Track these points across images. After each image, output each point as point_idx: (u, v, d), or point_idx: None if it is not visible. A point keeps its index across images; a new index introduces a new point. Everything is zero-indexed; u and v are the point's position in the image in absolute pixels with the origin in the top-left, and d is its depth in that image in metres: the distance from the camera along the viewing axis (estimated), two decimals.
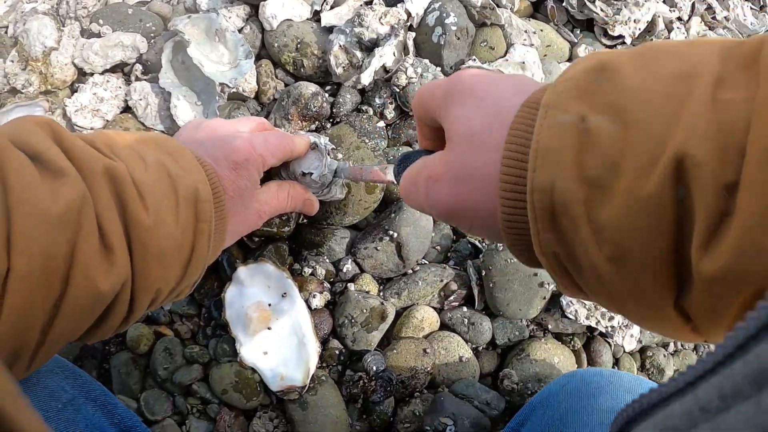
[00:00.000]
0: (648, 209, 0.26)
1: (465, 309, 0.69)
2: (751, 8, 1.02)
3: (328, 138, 0.64)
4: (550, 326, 0.70)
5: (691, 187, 0.25)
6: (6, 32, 0.88)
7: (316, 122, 0.73)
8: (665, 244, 0.26)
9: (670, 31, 0.90)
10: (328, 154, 0.61)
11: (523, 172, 0.31)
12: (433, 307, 0.69)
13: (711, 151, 0.24)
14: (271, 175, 0.63)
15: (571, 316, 0.68)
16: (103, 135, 0.46)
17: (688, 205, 0.25)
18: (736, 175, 0.23)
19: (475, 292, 0.68)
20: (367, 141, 0.70)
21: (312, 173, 0.59)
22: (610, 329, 0.71)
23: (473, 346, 0.69)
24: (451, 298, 0.68)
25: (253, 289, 0.65)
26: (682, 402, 0.21)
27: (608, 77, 0.29)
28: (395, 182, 0.50)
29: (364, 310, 0.65)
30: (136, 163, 0.44)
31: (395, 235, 0.66)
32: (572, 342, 0.72)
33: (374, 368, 0.64)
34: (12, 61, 0.83)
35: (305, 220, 0.69)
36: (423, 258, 0.70)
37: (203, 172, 0.48)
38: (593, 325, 0.70)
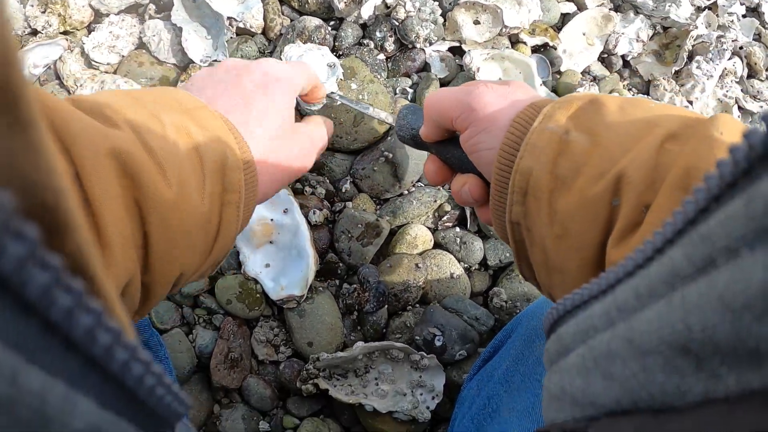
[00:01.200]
0: (590, 206, 0.35)
1: (458, 229, 0.72)
2: None
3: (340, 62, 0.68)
4: None
5: (623, 200, 0.33)
6: None
7: None
8: (595, 234, 0.35)
9: None
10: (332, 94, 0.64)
11: (513, 158, 0.40)
12: (427, 227, 0.72)
13: (643, 179, 0.32)
14: None
15: None
16: (110, 95, 0.38)
17: (617, 211, 0.34)
18: (653, 199, 0.32)
19: (468, 213, 0.71)
20: (378, 77, 0.73)
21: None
22: None
23: (465, 265, 0.72)
24: (445, 218, 0.72)
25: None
26: (602, 303, 0.23)
27: (595, 109, 0.38)
28: (399, 122, 0.54)
29: (360, 225, 0.68)
30: (152, 126, 0.37)
31: (391, 156, 0.69)
32: None
33: (368, 280, 0.68)
34: (32, 5, 0.87)
35: None
36: (418, 180, 0.73)
37: (229, 132, 0.41)
38: None
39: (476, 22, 0.79)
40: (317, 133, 0.51)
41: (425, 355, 0.68)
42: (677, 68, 0.90)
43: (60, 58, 0.83)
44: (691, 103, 0.90)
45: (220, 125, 0.41)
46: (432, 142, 0.50)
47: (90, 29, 0.87)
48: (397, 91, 0.75)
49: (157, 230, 0.35)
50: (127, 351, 0.18)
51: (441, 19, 0.77)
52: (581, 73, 0.83)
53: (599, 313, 0.23)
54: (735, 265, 0.15)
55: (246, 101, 0.44)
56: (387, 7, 0.76)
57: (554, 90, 0.80)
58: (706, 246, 0.17)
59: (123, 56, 0.84)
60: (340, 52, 0.77)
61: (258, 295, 0.69)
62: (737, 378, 0.16)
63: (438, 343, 0.68)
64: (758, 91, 0.97)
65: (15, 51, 0.15)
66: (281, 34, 0.81)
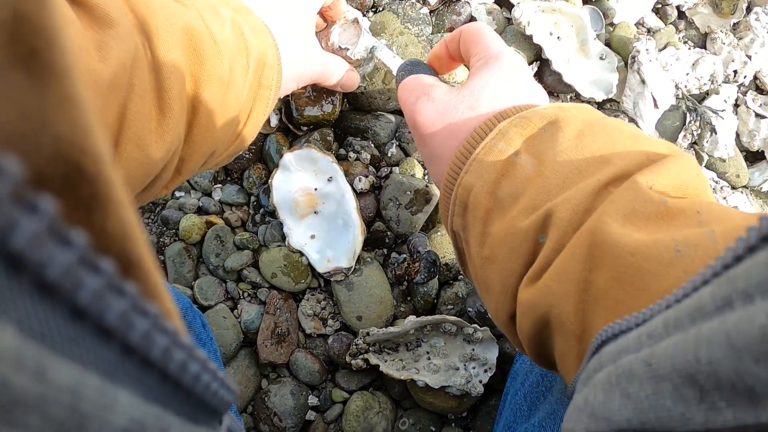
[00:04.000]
0: (517, 238, 0.34)
1: None
2: None
3: (369, 24, 0.63)
4: None
5: (548, 238, 0.33)
6: None
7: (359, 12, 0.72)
8: (518, 266, 0.34)
9: None
10: (368, 31, 0.60)
11: (461, 171, 0.39)
12: None
13: (570, 221, 0.32)
14: None
15: None
16: None
17: (542, 248, 0.33)
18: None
19: None
20: (410, 27, 0.69)
21: (348, 48, 0.58)
22: None
23: None
24: None
25: (299, 174, 0.66)
26: (638, 330, 0.24)
27: (552, 132, 0.37)
28: (395, 75, 0.54)
29: (408, 192, 0.65)
30: (213, 17, 0.41)
31: None
32: None
33: (418, 250, 0.65)
34: None
35: (348, 106, 0.69)
36: None
37: (271, 35, 0.47)
38: None
39: None
40: (320, 46, 0.56)
41: (478, 327, 0.65)
42: (735, 20, 0.84)
43: None
44: (750, 57, 0.84)
45: (263, 27, 0.46)
46: None
47: None
48: None
49: (206, 105, 0.39)
50: (167, 336, 0.16)
51: None
52: (635, 24, 0.78)
53: (633, 337, 0.24)
54: (746, 309, 0.16)
55: (276, 4, 0.49)
56: None
57: (608, 44, 0.75)
58: (728, 287, 0.18)
59: None
60: (380, 7, 0.73)
61: (303, 268, 0.67)
62: (734, 413, 0.16)
63: None
64: None
65: None
66: None
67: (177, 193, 0.73)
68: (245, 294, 0.70)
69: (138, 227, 0.17)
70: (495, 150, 0.37)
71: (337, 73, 0.58)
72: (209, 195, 0.72)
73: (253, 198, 0.71)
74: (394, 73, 0.54)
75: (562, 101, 0.74)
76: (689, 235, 0.27)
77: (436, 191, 0.66)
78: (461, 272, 0.44)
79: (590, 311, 0.29)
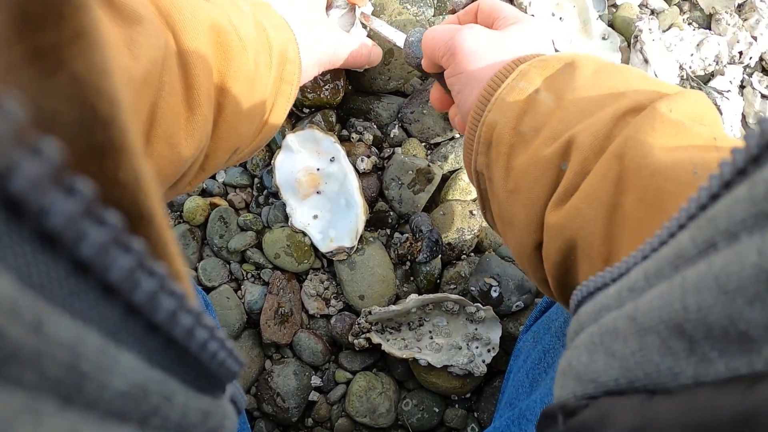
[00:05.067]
0: (540, 166, 0.36)
1: None
2: None
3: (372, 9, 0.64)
4: None
5: (570, 164, 0.34)
6: None
7: None
8: (541, 194, 0.36)
9: None
10: (361, 21, 0.61)
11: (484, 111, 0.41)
12: None
13: (591, 146, 0.33)
14: None
15: None
16: None
17: (564, 175, 0.34)
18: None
19: None
20: (409, 7, 0.69)
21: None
22: None
23: None
24: None
25: (302, 154, 0.67)
26: (617, 284, 0.23)
27: (569, 72, 0.38)
28: (403, 45, 0.56)
29: (410, 172, 0.65)
30: (236, 12, 0.41)
31: None
32: None
33: (420, 229, 0.65)
34: None
35: (351, 87, 0.69)
36: None
37: (290, 29, 0.48)
38: None
39: None
40: (337, 29, 0.56)
41: (481, 306, 0.65)
42: (740, 1, 0.83)
43: None
44: (755, 38, 0.84)
45: (283, 22, 0.47)
46: (433, 72, 0.52)
47: None
48: None
49: (232, 101, 0.39)
50: (174, 299, 0.15)
51: None
52: (638, 6, 0.78)
53: (612, 294, 0.23)
54: (733, 248, 0.15)
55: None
56: None
57: (611, 24, 0.75)
58: (710, 228, 0.17)
59: None
60: None
61: (307, 248, 0.67)
62: (726, 363, 0.16)
63: (494, 294, 0.65)
64: None
65: None
66: None
67: None
68: (249, 275, 0.70)
69: (152, 181, 0.16)
70: (516, 89, 0.39)
71: (360, 51, 0.58)
72: (213, 177, 0.72)
73: (256, 180, 0.71)
74: (400, 45, 0.56)
75: None
76: (707, 158, 0.28)
77: (437, 170, 0.66)
78: (484, 218, 0.46)
79: (617, 234, 0.30)
